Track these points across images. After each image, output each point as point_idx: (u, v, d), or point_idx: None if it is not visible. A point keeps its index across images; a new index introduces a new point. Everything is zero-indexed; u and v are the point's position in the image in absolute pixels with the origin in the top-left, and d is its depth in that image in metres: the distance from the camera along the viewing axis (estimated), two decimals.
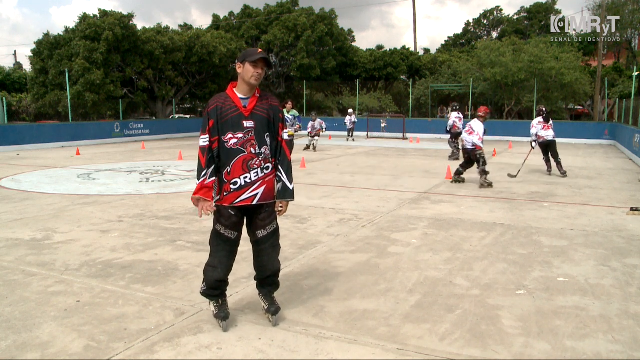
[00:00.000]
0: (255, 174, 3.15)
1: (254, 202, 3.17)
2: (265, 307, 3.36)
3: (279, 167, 3.25)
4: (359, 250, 5.12)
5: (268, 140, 3.20)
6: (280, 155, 3.25)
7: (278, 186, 3.24)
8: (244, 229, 3.34)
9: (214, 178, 3.15)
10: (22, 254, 4.93)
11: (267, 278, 3.34)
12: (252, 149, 3.13)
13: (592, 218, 6.64)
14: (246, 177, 3.13)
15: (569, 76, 24.60)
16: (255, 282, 3.46)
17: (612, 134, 21.13)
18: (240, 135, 3.11)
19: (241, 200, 3.15)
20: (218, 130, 3.12)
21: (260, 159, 3.16)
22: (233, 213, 3.18)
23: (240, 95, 3.17)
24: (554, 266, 4.61)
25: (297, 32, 30.07)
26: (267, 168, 3.21)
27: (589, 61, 33.34)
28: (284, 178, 3.23)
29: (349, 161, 13.77)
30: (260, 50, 3.14)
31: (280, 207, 3.26)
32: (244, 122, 3.12)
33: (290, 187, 3.24)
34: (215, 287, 3.28)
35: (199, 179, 3.13)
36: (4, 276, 4.29)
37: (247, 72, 3.10)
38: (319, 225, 6.19)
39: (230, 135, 3.11)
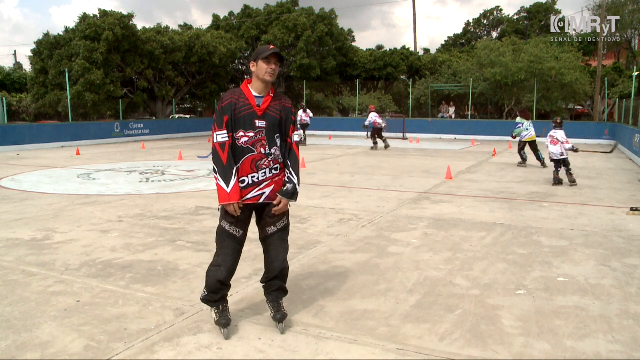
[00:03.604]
0: (264, 174, 3.13)
1: (261, 201, 3.16)
2: (271, 315, 3.27)
3: (291, 169, 3.22)
4: (359, 250, 5.12)
5: (278, 141, 3.18)
6: (290, 157, 3.23)
7: (288, 187, 3.18)
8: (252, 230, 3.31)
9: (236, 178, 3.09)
10: (22, 254, 4.93)
11: (274, 280, 3.25)
12: (262, 149, 3.11)
13: (592, 218, 6.64)
14: (254, 177, 3.12)
15: (569, 76, 24.58)
16: (262, 287, 3.37)
17: (612, 134, 21.13)
18: (251, 134, 3.09)
19: (248, 199, 3.13)
20: (232, 127, 3.09)
21: (269, 159, 3.13)
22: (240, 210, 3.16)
23: (255, 93, 3.14)
24: (554, 266, 4.61)
25: (297, 32, 30.04)
26: (276, 169, 3.18)
27: (589, 61, 33.30)
28: (295, 180, 3.21)
29: (349, 161, 13.77)
30: (272, 46, 3.12)
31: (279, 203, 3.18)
32: (257, 121, 3.09)
33: (298, 190, 3.24)
34: (215, 290, 3.20)
35: (224, 180, 3.04)
36: (4, 276, 4.29)
37: (261, 69, 3.08)
38: (319, 225, 6.19)
39: (241, 133, 3.09)
